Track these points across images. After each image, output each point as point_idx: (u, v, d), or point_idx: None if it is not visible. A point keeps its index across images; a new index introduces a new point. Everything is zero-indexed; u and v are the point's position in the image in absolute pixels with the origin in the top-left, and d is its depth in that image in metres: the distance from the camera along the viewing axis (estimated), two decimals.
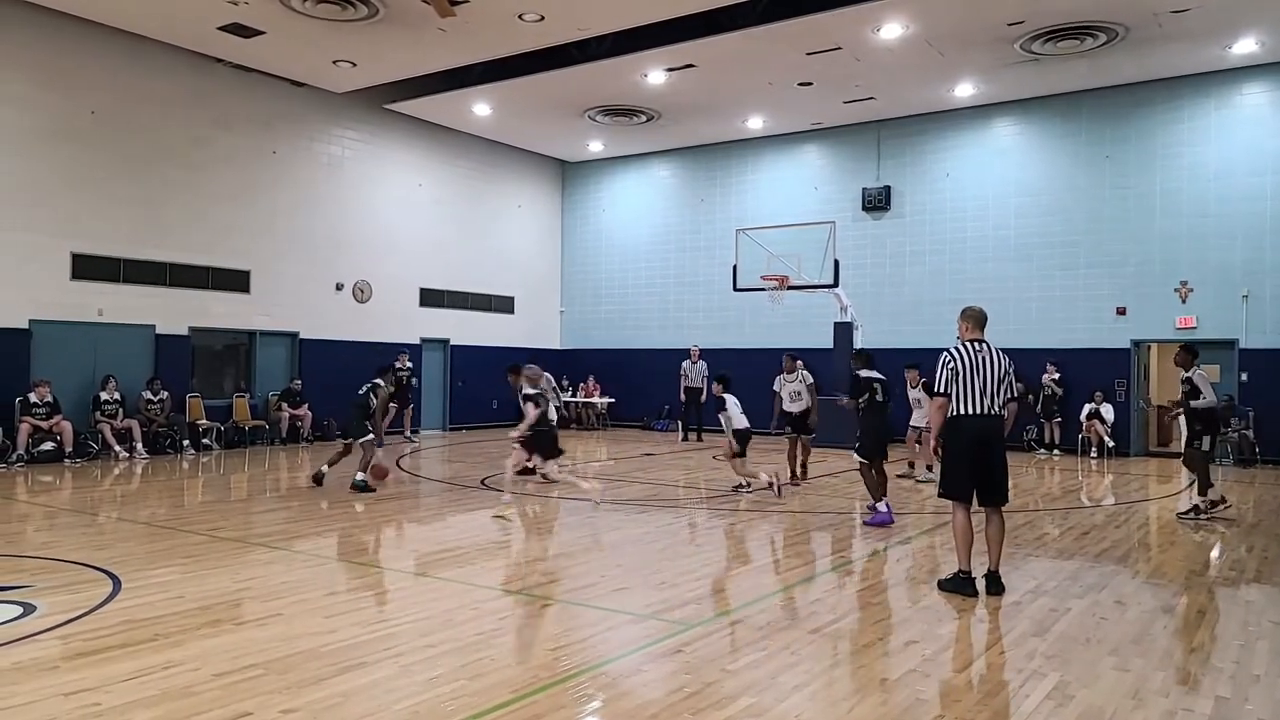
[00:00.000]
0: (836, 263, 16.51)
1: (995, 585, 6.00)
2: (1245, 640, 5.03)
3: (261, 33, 13.51)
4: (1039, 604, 5.78)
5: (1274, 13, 12.93)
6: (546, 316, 22.43)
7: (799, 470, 11.76)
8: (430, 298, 19.38)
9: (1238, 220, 15.03)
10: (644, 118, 18.52)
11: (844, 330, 17.10)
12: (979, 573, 6.10)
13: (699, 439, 17.95)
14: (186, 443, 14.20)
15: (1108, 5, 12.77)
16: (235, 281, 15.64)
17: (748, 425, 10.72)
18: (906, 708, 4.01)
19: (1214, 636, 5.11)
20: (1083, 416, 15.86)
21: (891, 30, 13.71)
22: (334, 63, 15.01)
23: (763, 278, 16.99)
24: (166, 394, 14.06)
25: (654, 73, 15.85)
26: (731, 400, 10.68)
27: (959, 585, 6.01)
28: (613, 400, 21.27)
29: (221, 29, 13.39)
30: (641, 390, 20.88)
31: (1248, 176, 14.98)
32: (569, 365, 21.79)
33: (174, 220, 14.78)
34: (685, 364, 18.11)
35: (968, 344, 6.06)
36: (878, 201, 18.46)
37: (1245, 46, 14.14)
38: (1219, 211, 15.20)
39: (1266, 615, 5.55)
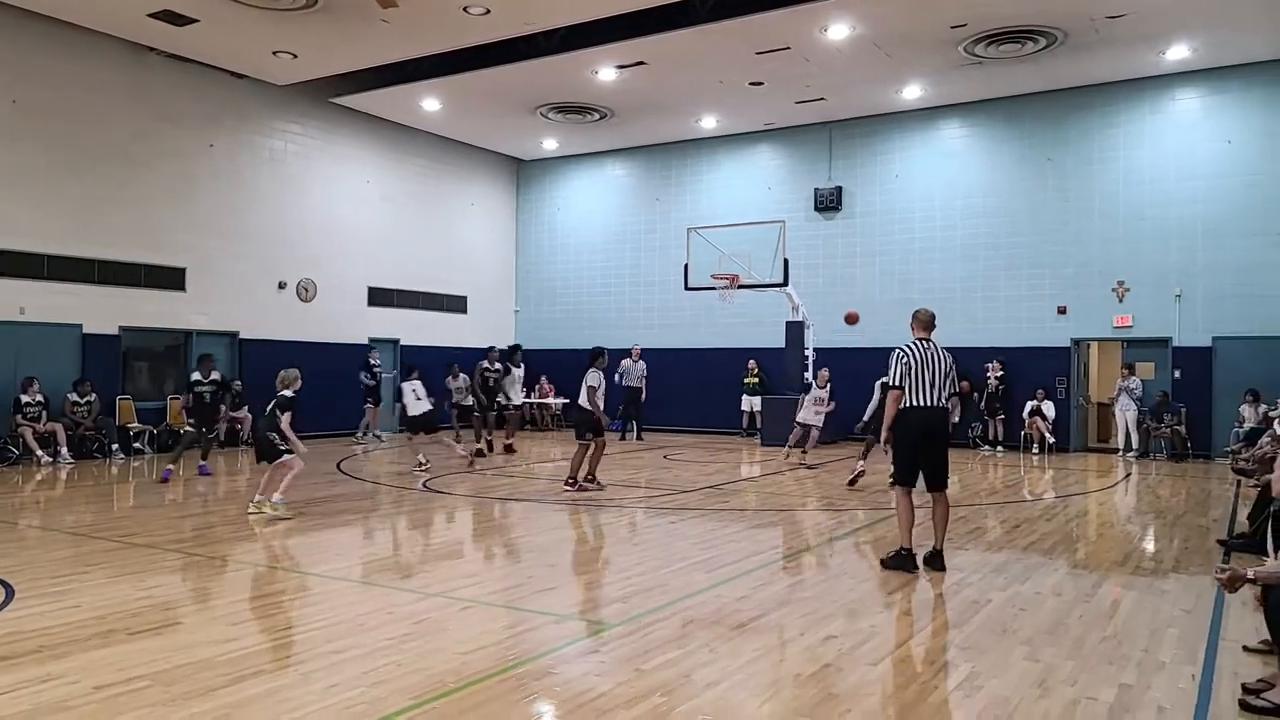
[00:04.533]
0: (786, 262, 16.56)
1: (937, 562, 6.42)
2: (1156, 628, 5.07)
3: (195, 21, 13.13)
4: (962, 596, 5.79)
5: (1205, 19, 13.22)
6: (501, 316, 22.19)
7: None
8: (379, 297, 19.06)
9: (1171, 223, 15.37)
10: (597, 115, 18.41)
11: (796, 329, 17.16)
12: (925, 551, 6.50)
13: (639, 438, 17.90)
14: (116, 446, 13.75)
15: (1046, 10, 12.95)
16: (170, 279, 15.20)
17: (425, 411, 12.46)
18: (817, 703, 3.95)
19: (1126, 625, 5.15)
20: (1025, 413, 16.10)
21: (839, 31, 13.78)
22: (274, 54, 14.66)
23: (713, 276, 16.98)
24: (94, 396, 13.61)
25: (604, 69, 15.75)
26: (408, 387, 12.58)
27: (900, 562, 6.37)
28: (568, 401, 21.09)
29: (152, 16, 12.98)
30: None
31: (1180, 181, 15.32)
32: (524, 365, 21.54)
33: (104, 215, 14.31)
34: (625, 362, 18.02)
35: (917, 342, 6.57)
36: (829, 202, 18.57)
37: (1178, 53, 14.46)
38: (1153, 214, 15.53)
39: (1180, 604, 5.62)
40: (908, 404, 6.41)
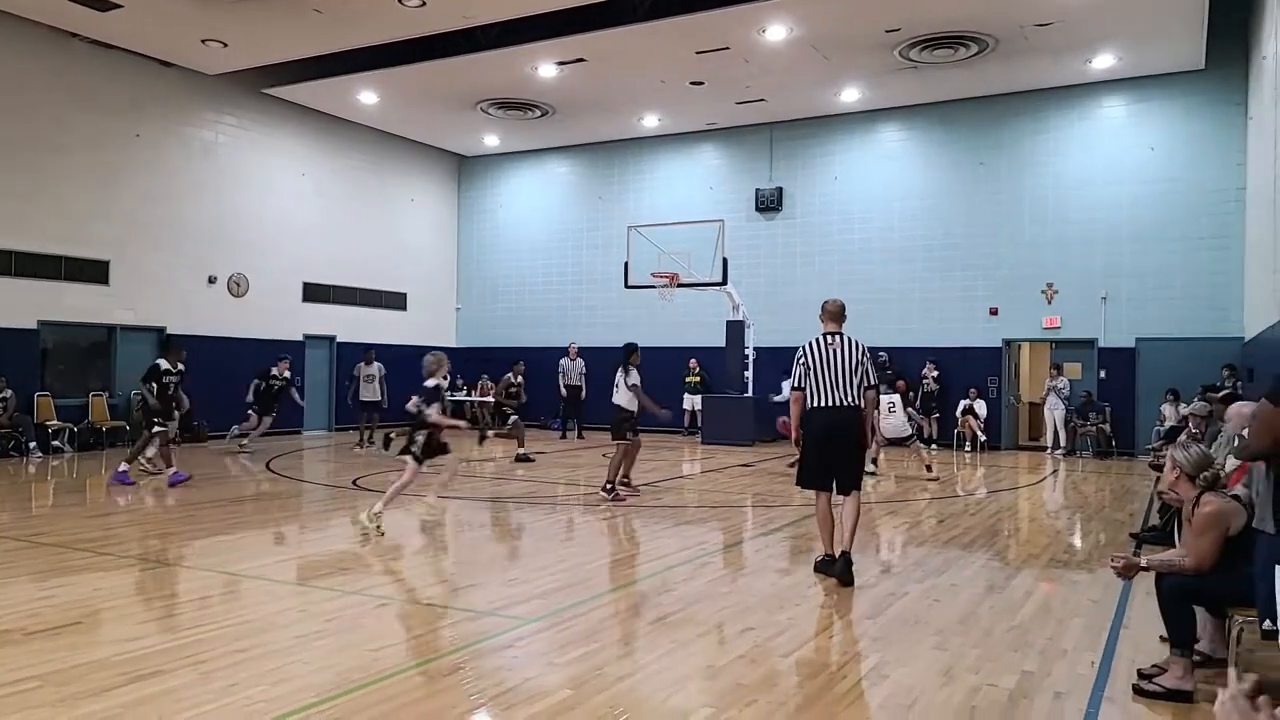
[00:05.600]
0: (725, 261, 16.66)
1: (844, 566, 5.98)
2: (1063, 618, 5.21)
3: (119, 6, 12.71)
4: (880, 588, 5.87)
5: (1129, 30, 13.66)
6: (442, 314, 21.93)
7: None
8: (315, 293, 18.67)
9: (1098, 227, 15.85)
10: (539, 112, 18.30)
11: (736, 328, 17.28)
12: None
13: (580, 436, 17.86)
14: (34, 445, 13.23)
15: (977, 16, 13.25)
16: (92, 272, 14.68)
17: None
18: (724, 693, 3.96)
19: (1034, 615, 5.27)
20: (958, 412, 16.45)
21: (776, 33, 13.90)
22: (203, 42, 14.27)
23: (653, 275, 17.00)
24: (11, 393, 13.07)
25: (544, 66, 15.66)
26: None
27: (824, 567, 6.17)
28: (520, 401, 20.90)
29: (74, 0, 12.53)
30: (538, 389, 20.58)
31: (1106, 186, 15.80)
32: (465, 364, 21.34)
33: (19, 204, 13.73)
34: (564, 361, 18.01)
35: (821, 338, 6.18)
36: (770, 202, 18.74)
37: (1104, 61, 14.91)
38: (1080, 218, 15.99)
39: (1088, 594, 5.78)
40: (809, 405, 6.12)
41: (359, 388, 15.30)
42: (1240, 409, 5.33)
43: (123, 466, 10.40)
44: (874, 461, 12.12)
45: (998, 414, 16.56)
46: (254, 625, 4.94)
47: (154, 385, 10.42)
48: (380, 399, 15.19)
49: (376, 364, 15.35)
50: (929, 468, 12.00)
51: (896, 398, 12.25)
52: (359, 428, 15.74)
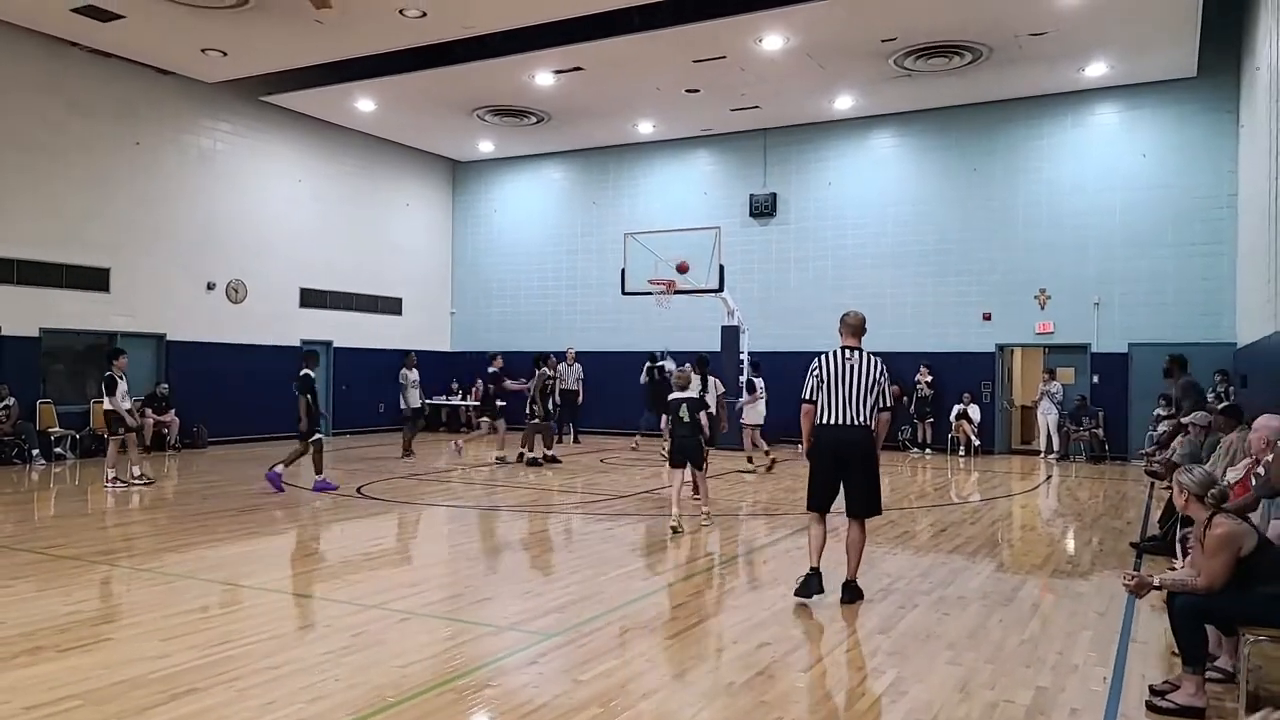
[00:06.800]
0: (721, 267, 16.77)
1: (848, 593, 5.88)
2: (1071, 631, 5.34)
3: (120, 16, 12.71)
4: (889, 602, 6.00)
5: (1121, 39, 13.86)
6: (437, 318, 21.99)
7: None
8: (311, 298, 18.70)
9: (1090, 232, 16.06)
10: (534, 119, 18.38)
11: (731, 333, 17.41)
12: (840, 580, 6.04)
13: (575, 440, 17.96)
14: (36, 452, 13.23)
15: (972, 26, 13.42)
16: (93, 279, 14.68)
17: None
18: (749, 711, 4.08)
19: (1043, 628, 5.41)
20: (952, 417, 16.63)
21: (773, 42, 14.04)
22: (203, 51, 14.28)
23: (650, 281, 17.11)
24: (13, 400, 13.07)
25: (542, 74, 15.75)
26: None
27: (805, 580, 5.90)
28: (504, 403, 20.98)
29: (75, 11, 12.52)
30: None
31: (1099, 192, 16.02)
32: (460, 368, 21.41)
33: (20, 212, 13.74)
34: (561, 366, 18.08)
35: (838, 351, 5.93)
36: (764, 208, 18.88)
37: (1097, 70, 15.12)
38: (1074, 224, 16.20)
39: (1093, 606, 5.92)
40: (818, 421, 5.90)
41: (407, 394, 14.87)
42: (1269, 421, 5.17)
43: (316, 481, 10.84)
44: (750, 460, 13.55)
45: (991, 419, 16.76)
46: (282, 640, 5.03)
47: (311, 396, 10.74)
48: (422, 405, 15.12)
49: (416, 369, 15.19)
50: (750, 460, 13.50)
51: (760, 381, 13.84)
52: (408, 435, 14.95)
